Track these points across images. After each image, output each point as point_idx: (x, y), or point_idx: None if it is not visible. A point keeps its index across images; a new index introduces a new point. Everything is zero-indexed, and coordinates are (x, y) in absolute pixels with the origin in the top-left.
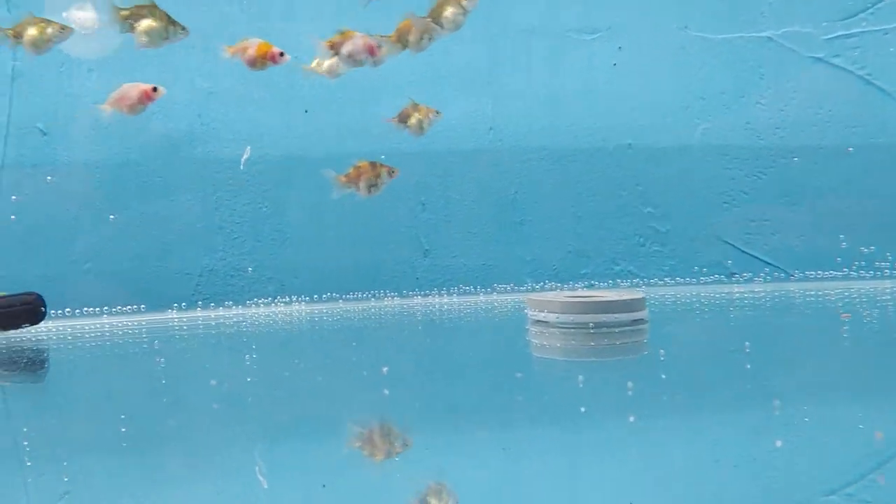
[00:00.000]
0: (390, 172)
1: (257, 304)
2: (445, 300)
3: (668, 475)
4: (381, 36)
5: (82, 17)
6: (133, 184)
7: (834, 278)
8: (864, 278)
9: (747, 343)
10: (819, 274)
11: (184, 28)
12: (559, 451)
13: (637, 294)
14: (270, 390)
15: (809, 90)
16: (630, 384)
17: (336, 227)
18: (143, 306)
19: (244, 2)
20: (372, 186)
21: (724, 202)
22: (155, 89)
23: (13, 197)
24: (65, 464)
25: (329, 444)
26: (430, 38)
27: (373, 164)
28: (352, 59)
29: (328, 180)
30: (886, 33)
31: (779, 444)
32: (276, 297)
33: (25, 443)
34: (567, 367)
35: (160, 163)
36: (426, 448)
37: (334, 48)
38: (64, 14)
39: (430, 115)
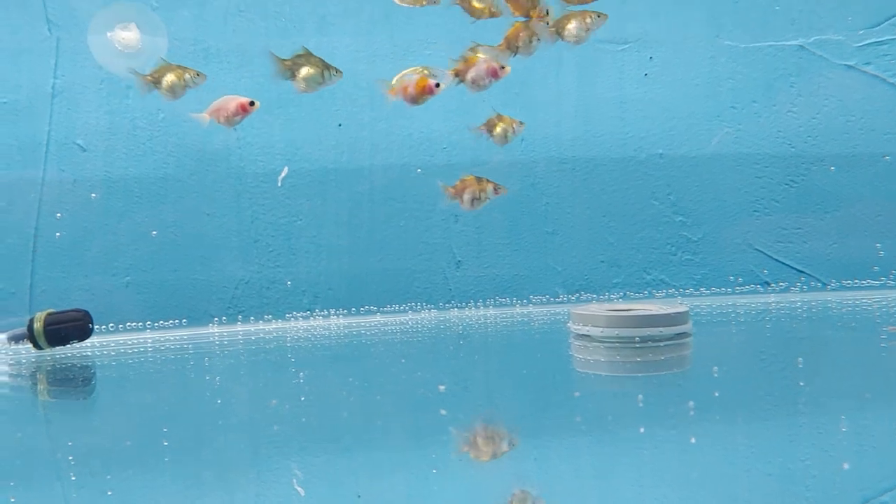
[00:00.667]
0: (496, 189)
1: (294, 318)
2: (480, 312)
3: (720, 491)
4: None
5: (126, 36)
6: (171, 198)
7: (870, 287)
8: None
9: (799, 358)
10: (855, 283)
11: (338, 70)
12: (617, 468)
13: (680, 307)
14: (328, 409)
15: (841, 98)
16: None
17: (370, 240)
18: (184, 320)
19: (278, 15)
20: (475, 200)
21: (756, 210)
22: (252, 103)
23: (58, 214)
24: (125, 482)
25: (389, 463)
26: (538, 41)
27: (479, 179)
28: (476, 85)
29: (361, 193)
30: None
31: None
32: (312, 310)
33: (93, 461)
34: (614, 382)
35: (197, 178)
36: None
37: (459, 75)
38: (109, 34)
39: (514, 126)
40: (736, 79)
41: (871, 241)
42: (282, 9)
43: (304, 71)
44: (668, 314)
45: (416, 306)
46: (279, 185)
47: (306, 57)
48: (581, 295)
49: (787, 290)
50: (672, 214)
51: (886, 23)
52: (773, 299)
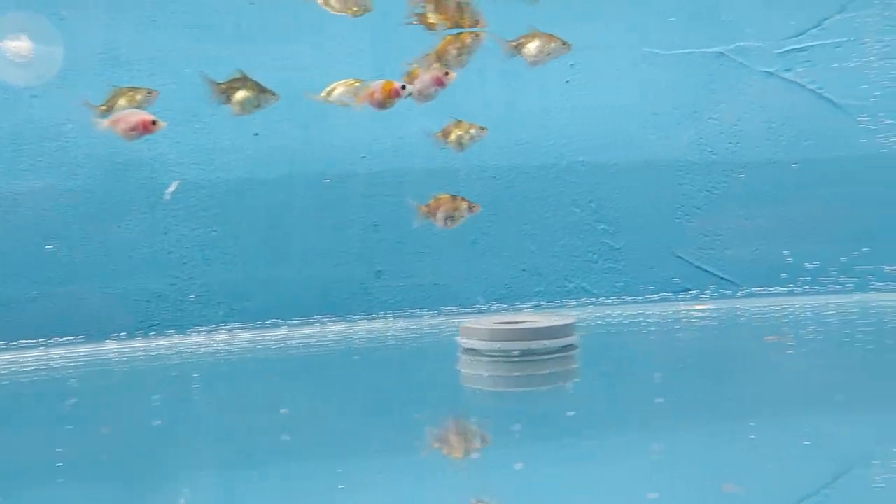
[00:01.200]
0: (470, 207)
1: (207, 331)
2: (392, 325)
3: None
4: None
5: (17, 46)
6: (80, 210)
7: (782, 294)
8: (808, 293)
9: (657, 374)
10: (770, 290)
11: (274, 94)
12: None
13: (567, 319)
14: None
15: (762, 104)
16: (541, 417)
17: (287, 250)
18: (92, 335)
19: (193, 23)
20: (449, 218)
21: (677, 217)
22: (154, 122)
23: None
24: None
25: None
26: (468, 54)
27: (453, 198)
28: (423, 96)
29: (280, 203)
30: (837, 47)
31: (684, 473)
32: (227, 322)
33: None
34: (482, 397)
35: (107, 189)
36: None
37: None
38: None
39: (472, 131)
40: (657, 86)
41: (785, 248)
42: (197, 16)
43: (240, 94)
44: (552, 327)
45: (336, 317)
46: (167, 198)
47: (242, 80)
48: (501, 305)
49: (706, 296)
50: (594, 222)
51: (806, 32)
52: (684, 308)
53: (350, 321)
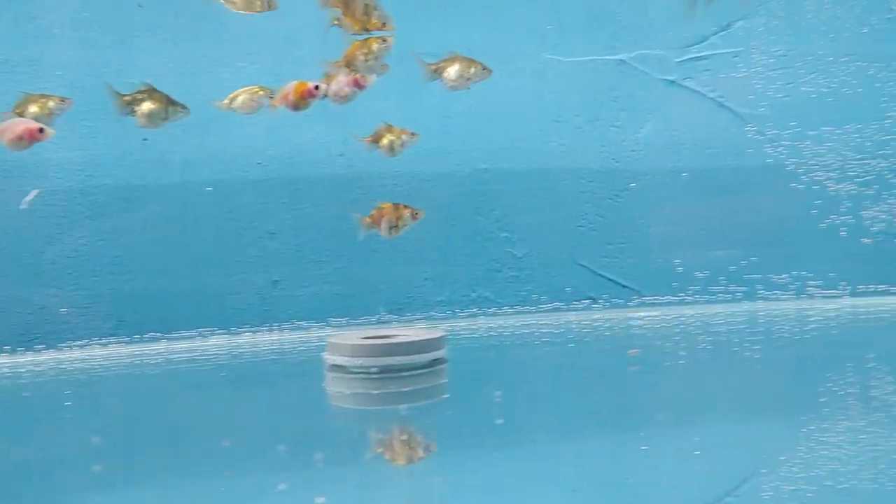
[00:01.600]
0: (414, 214)
1: (89, 344)
2: (284, 337)
3: None
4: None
5: None
6: None
7: (674, 303)
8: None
9: (497, 392)
10: (663, 299)
11: (184, 107)
12: None
13: (437, 332)
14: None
15: (663, 112)
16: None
17: (180, 259)
18: None
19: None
20: (393, 228)
21: (580, 226)
22: (41, 130)
23: None
24: None
25: None
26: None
27: (395, 206)
28: (339, 97)
29: (171, 211)
30: (736, 56)
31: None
32: (116, 335)
33: None
34: (332, 416)
35: None
36: None
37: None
38: None
39: (404, 137)
40: (559, 93)
41: (683, 255)
42: (79, 18)
43: (146, 107)
44: (417, 342)
45: (230, 330)
46: (24, 207)
47: (149, 92)
48: (405, 315)
49: (610, 305)
50: (497, 230)
51: (706, 40)
52: (575, 317)
53: (240, 334)
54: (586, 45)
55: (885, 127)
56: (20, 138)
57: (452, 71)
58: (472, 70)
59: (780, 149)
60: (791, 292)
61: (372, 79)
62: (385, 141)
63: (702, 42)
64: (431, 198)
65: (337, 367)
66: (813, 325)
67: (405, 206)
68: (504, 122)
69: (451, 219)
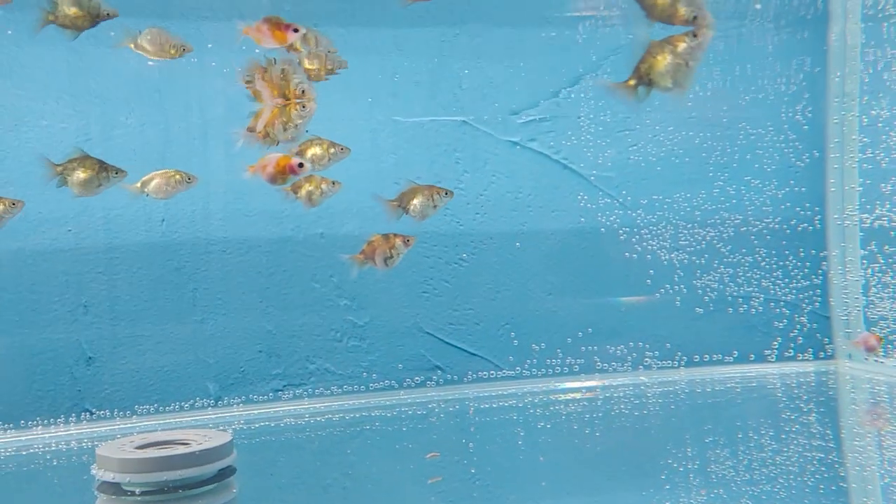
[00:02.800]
0: (406, 241)
1: None
2: (110, 424)
3: None
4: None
5: None
6: None
7: (511, 377)
8: (536, 377)
9: None
10: (499, 373)
11: (117, 171)
12: None
13: (222, 437)
14: None
15: (507, 174)
16: None
17: None
18: None
19: None
20: (388, 259)
21: (425, 291)
22: (301, 165)
23: None
24: None
25: None
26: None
27: (385, 237)
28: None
29: None
30: (580, 117)
31: None
32: None
33: None
34: None
35: None
36: None
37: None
38: None
39: (323, 186)
40: (398, 154)
41: (520, 326)
42: None
43: (78, 175)
44: (188, 455)
45: (39, 417)
46: None
47: (80, 160)
48: (233, 396)
49: (455, 376)
50: (336, 298)
51: (548, 100)
52: (407, 396)
53: (67, 419)
54: (426, 105)
55: (713, 196)
56: (281, 173)
57: (417, 204)
58: (436, 197)
59: (613, 217)
60: (628, 364)
61: (306, 167)
62: (303, 192)
63: (543, 102)
64: (262, 265)
65: (107, 486)
66: (651, 399)
67: (395, 235)
68: (342, 184)
69: (286, 287)
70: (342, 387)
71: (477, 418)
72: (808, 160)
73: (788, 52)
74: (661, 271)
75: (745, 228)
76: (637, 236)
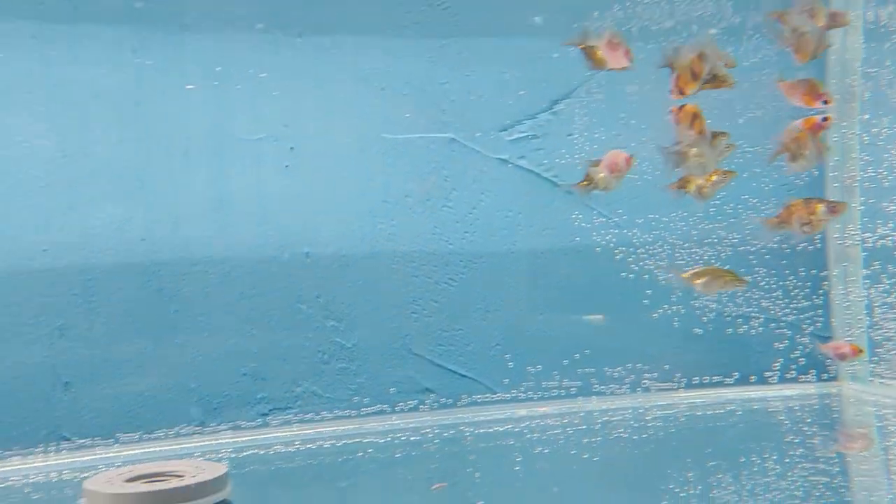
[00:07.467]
0: (833, 208)
1: None
2: (71, 459)
3: None
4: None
5: None
6: None
7: (505, 401)
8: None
9: None
10: (493, 397)
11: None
12: None
13: (217, 470)
14: None
15: (497, 192)
16: None
17: None
18: None
19: None
20: (806, 225)
21: (414, 312)
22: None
23: None
24: None
25: None
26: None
27: (807, 201)
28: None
29: None
30: (570, 134)
31: None
32: None
33: None
34: None
35: None
36: None
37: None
38: None
39: (715, 178)
40: (387, 172)
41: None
42: None
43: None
44: (185, 487)
45: (17, 447)
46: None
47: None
48: (219, 423)
49: (449, 399)
50: (323, 319)
51: (537, 117)
52: (400, 420)
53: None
54: (414, 123)
55: (709, 215)
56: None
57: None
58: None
59: (609, 236)
60: (626, 386)
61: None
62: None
63: (532, 119)
64: (245, 286)
65: None
66: (650, 422)
67: (819, 200)
68: (327, 204)
69: (271, 308)
70: (332, 410)
71: (475, 444)
72: (807, 178)
73: (787, 70)
74: (658, 291)
75: (743, 248)
76: (633, 256)
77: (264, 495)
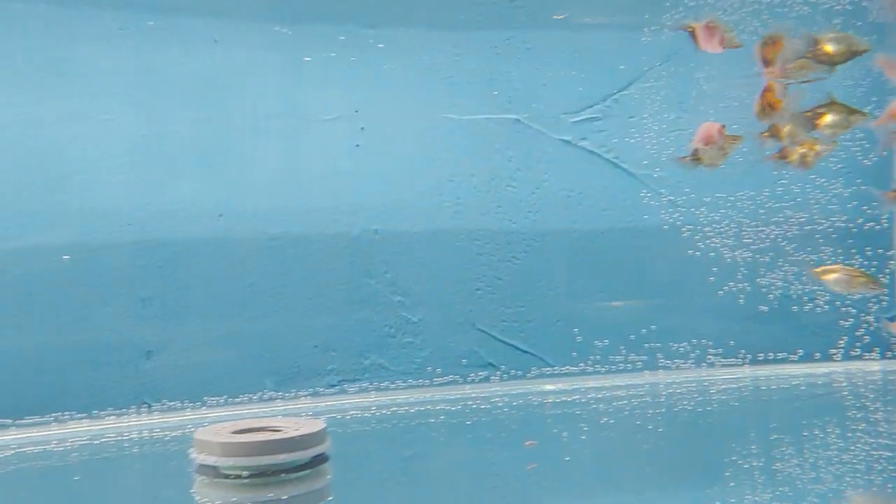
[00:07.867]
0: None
1: None
2: (158, 419)
3: None
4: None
5: None
6: None
7: (575, 374)
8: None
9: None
10: (581, 367)
11: (864, 113)
12: None
13: (315, 426)
14: None
15: (559, 172)
16: None
17: (36, 330)
18: None
19: None
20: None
21: (478, 289)
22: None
23: None
24: None
25: None
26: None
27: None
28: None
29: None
30: (631, 117)
31: None
32: None
33: None
34: None
35: None
36: None
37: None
38: None
39: (818, 147)
40: (453, 151)
41: (582, 322)
42: None
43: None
44: (290, 439)
45: (99, 411)
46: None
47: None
48: (291, 391)
49: (511, 374)
50: (390, 294)
51: (602, 102)
52: (472, 390)
53: (104, 418)
54: (480, 104)
55: (776, 194)
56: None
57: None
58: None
59: (676, 214)
60: (691, 361)
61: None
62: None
63: (597, 104)
64: (317, 261)
65: (206, 469)
66: (714, 396)
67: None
68: (396, 182)
69: (340, 283)
70: (395, 382)
71: (543, 412)
72: (875, 158)
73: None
74: (724, 269)
75: (810, 227)
76: (700, 234)
77: (358, 449)
